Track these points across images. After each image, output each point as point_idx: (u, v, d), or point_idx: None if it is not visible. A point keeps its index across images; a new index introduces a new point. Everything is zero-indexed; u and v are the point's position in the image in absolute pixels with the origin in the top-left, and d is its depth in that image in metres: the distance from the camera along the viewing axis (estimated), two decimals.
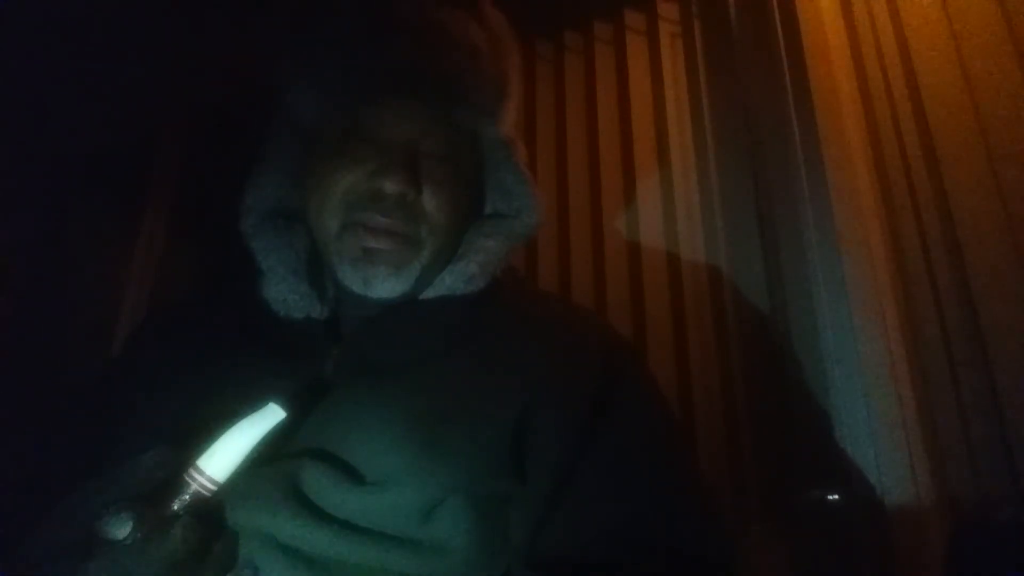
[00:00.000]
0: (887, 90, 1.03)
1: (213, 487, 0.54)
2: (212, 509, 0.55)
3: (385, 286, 0.67)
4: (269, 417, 0.57)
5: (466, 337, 0.68)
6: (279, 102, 0.74)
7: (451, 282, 0.70)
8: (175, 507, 0.52)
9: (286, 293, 0.70)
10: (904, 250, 0.96)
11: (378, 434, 0.61)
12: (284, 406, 0.57)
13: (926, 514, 0.83)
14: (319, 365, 0.67)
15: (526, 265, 1.31)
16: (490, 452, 0.61)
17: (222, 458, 0.54)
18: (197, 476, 0.53)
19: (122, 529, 0.49)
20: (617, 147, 1.31)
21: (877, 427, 0.86)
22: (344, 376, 0.66)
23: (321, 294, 0.71)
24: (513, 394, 0.63)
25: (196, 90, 1.42)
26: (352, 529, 0.57)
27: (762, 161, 1.10)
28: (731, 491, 1.02)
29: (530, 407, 0.63)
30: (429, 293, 0.70)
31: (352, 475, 0.59)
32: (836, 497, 0.88)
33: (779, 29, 1.09)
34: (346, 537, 0.56)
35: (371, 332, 0.69)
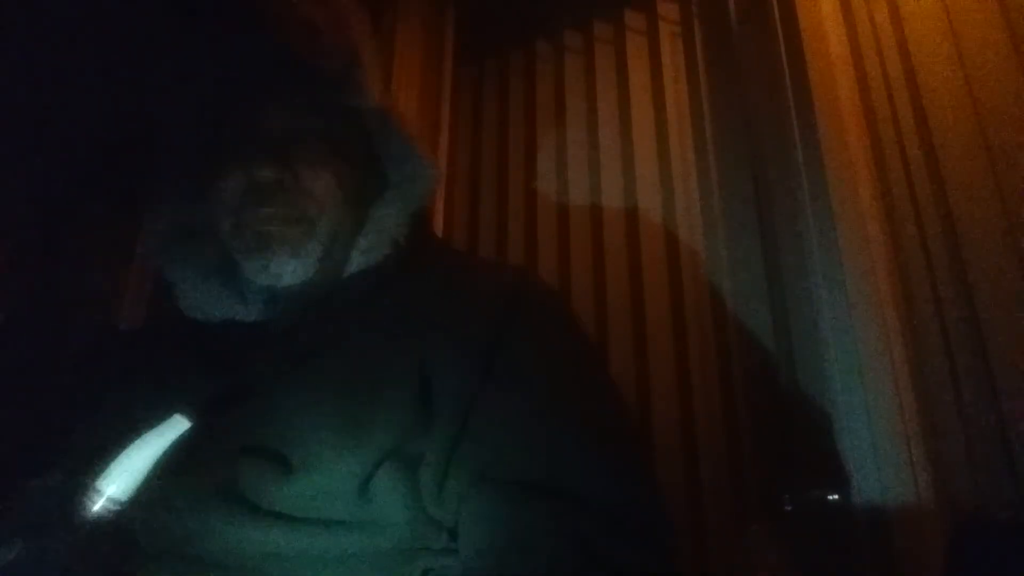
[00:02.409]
0: (887, 90, 1.03)
1: (115, 507, 0.54)
2: (120, 527, 0.55)
3: (287, 270, 0.67)
4: (172, 429, 0.57)
5: (375, 310, 0.69)
6: (154, 125, 0.75)
7: (358, 258, 0.70)
8: (71, 529, 0.52)
9: (196, 298, 0.71)
10: (904, 250, 0.96)
11: (302, 422, 0.61)
12: (189, 416, 0.57)
13: (926, 514, 0.83)
14: (250, 367, 0.67)
15: (526, 265, 1.31)
16: (402, 415, 0.60)
17: (122, 476, 0.54)
18: (97, 498, 0.53)
19: (9, 554, 0.49)
20: (617, 147, 1.31)
21: (877, 427, 0.86)
22: (274, 372, 0.66)
23: (243, 297, 0.71)
24: (410, 353, 0.63)
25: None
26: (289, 519, 0.57)
27: (762, 161, 1.10)
28: (731, 491, 1.02)
29: (426, 361, 0.63)
30: (346, 273, 0.71)
31: (284, 466, 0.59)
32: (836, 497, 0.88)
33: (779, 29, 1.09)
34: (282, 528, 0.56)
35: (296, 325, 0.69)
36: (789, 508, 0.93)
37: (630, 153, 1.28)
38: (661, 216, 1.23)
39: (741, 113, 1.16)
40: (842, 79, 1.03)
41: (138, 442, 0.56)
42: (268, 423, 0.62)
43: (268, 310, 0.71)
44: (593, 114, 1.35)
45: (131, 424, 0.59)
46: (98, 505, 0.53)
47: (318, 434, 0.60)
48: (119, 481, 0.54)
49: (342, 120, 0.71)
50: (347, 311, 0.69)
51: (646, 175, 1.26)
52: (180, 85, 0.70)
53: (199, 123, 0.71)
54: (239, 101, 0.68)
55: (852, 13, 1.08)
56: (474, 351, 0.63)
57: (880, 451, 0.86)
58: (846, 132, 1.00)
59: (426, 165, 0.76)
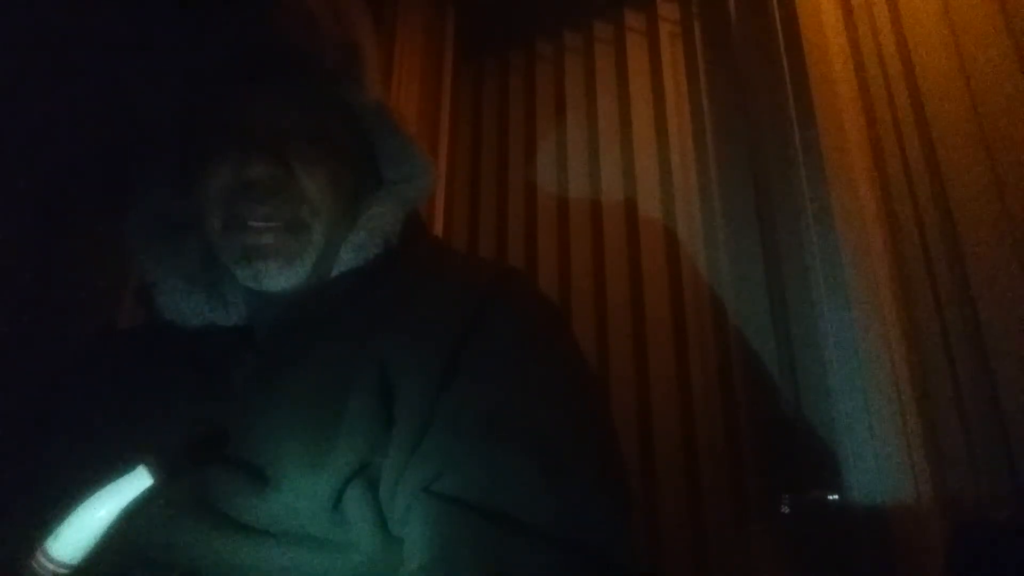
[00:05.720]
0: (887, 90, 1.03)
1: (65, 571, 0.47)
2: None
3: (278, 280, 0.65)
4: (134, 484, 0.50)
5: (352, 313, 0.66)
6: (141, 112, 0.73)
7: (346, 256, 0.68)
8: None
9: (179, 302, 0.68)
10: (904, 249, 0.96)
11: (274, 434, 0.59)
12: (153, 471, 0.51)
13: (926, 514, 0.83)
14: (230, 374, 0.64)
15: (526, 265, 1.31)
16: (366, 430, 0.57)
17: (74, 538, 0.48)
18: (45, 562, 0.47)
19: None
20: (617, 147, 1.31)
21: (877, 427, 0.86)
22: (254, 380, 0.64)
23: (226, 299, 0.69)
24: (374, 360, 0.60)
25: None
26: (258, 534, 0.55)
27: (762, 160, 1.10)
28: (731, 491, 1.02)
29: (389, 368, 0.60)
30: (334, 273, 0.68)
31: (260, 480, 0.57)
32: (836, 497, 0.88)
33: (779, 29, 1.09)
34: (251, 543, 0.54)
35: (278, 331, 0.67)
36: (789, 508, 0.93)
37: (630, 153, 1.28)
38: (661, 216, 1.23)
39: (741, 113, 1.16)
40: (842, 79, 1.03)
41: (96, 498, 0.50)
42: (245, 434, 0.60)
43: (250, 314, 0.69)
44: (593, 114, 1.35)
45: (98, 456, 0.55)
46: (43, 571, 0.47)
47: (287, 449, 0.57)
48: (68, 544, 0.48)
49: (340, 116, 0.69)
50: (328, 314, 0.66)
51: (646, 175, 1.26)
52: (173, 72, 0.68)
53: (190, 113, 0.68)
54: (233, 91, 0.66)
55: (852, 13, 1.08)
56: (436, 356, 0.59)
57: (880, 451, 0.86)
58: (846, 132, 1.00)
59: (424, 165, 0.75)
